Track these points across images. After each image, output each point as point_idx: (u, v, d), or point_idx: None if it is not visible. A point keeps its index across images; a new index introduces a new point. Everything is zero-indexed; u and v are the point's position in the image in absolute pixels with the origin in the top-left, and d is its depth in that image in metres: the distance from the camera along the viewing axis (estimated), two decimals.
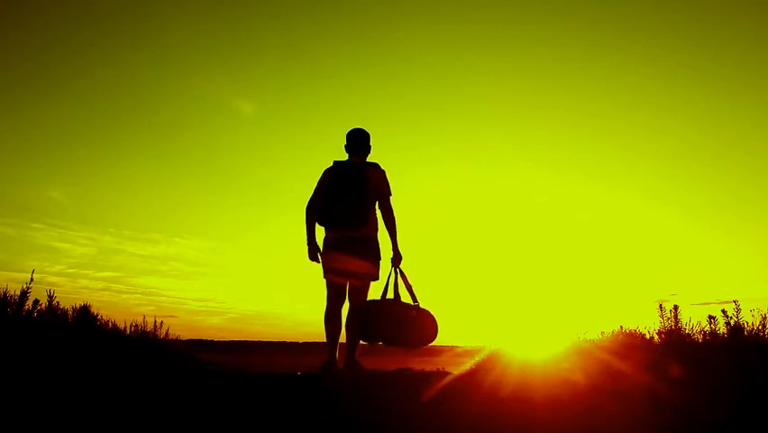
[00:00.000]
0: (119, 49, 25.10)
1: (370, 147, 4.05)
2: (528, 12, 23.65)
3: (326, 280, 3.93)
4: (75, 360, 3.53)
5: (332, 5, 26.13)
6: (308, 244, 3.94)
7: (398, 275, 3.91)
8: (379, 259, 3.93)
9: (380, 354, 4.02)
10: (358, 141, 4.00)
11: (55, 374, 2.99)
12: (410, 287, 3.89)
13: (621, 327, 3.74)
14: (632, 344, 3.34)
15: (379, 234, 4.01)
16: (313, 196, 3.99)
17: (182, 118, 27.72)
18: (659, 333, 3.40)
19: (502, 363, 3.07)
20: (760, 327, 3.04)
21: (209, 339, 16.12)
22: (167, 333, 6.21)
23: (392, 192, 3.98)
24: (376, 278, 3.92)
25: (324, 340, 3.92)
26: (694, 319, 3.29)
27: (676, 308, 3.35)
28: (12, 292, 3.88)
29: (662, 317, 3.39)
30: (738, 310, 3.10)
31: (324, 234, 3.98)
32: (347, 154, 4.04)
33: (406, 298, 3.90)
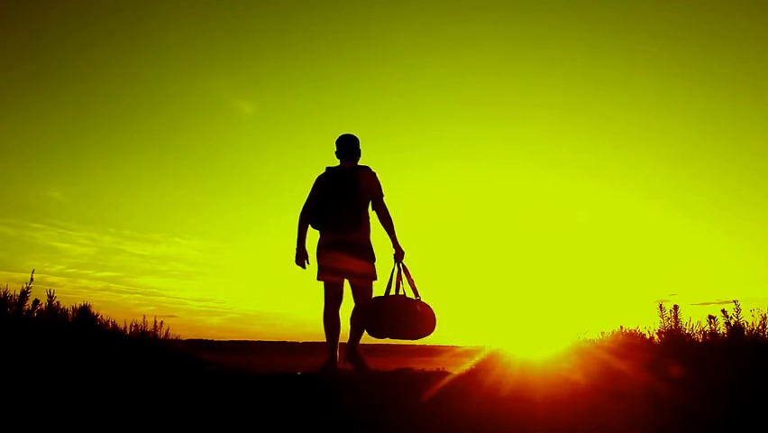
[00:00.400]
0: (119, 49, 25.13)
1: (359, 151, 4.12)
2: (528, 12, 23.66)
3: (323, 282, 3.96)
4: (75, 360, 3.53)
5: (332, 6, 26.15)
6: (297, 249, 4.00)
7: (402, 270, 3.99)
8: (374, 259, 3.99)
9: (381, 354, 4.04)
10: (347, 146, 4.07)
11: (55, 374, 2.99)
12: (412, 281, 3.99)
13: (621, 327, 3.74)
14: (632, 344, 3.34)
15: (372, 237, 4.07)
16: (306, 202, 4.07)
17: (182, 118, 27.77)
18: (659, 333, 3.40)
19: (502, 363, 3.07)
20: (760, 327, 3.03)
21: (209, 339, 16.15)
22: (167, 333, 6.22)
23: (387, 192, 4.07)
24: (374, 277, 3.97)
25: (324, 340, 3.96)
26: (694, 319, 3.29)
27: (676, 308, 3.35)
28: (12, 292, 3.89)
29: (662, 317, 3.39)
30: (738, 310, 3.10)
31: (318, 238, 4.04)
32: (338, 160, 4.11)
33: (408, 293, 3.99)
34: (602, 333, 3.80)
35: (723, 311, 3.13)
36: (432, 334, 3.96)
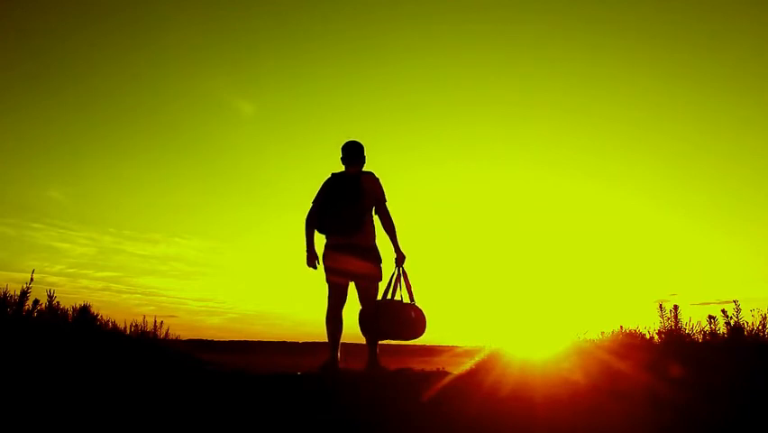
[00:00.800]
0: (119, 49, 25.13)
1: (364, 158, 4.21)
2: (529, 13, 23.66)
3: (328, 283, 4.04)
4: (75, 360, 3.53)
5: (332, 6, 26.16)
6: (307, 252, 4.09)
7: (401, 275, 4.10)
8: (380, 261, 4.08)
9: (380, 355, 4.05)
10: (352, 153, 4.17)
11: (55, 374, 2.99)
12: (409, 286, 4.10)
13: (621, 327, 3.74)
14: (632, 344, 3.33)
15: (377, 240, 4.15)
16: (312, 207, 4.16)
17: (182, 118, 27.77)
18: (659, 333, 3.40)
19: (502, 363, 3.08)
20: (760, 327, 3.03)
21: (209, 339, 16.15)
22: (167, 333, 6.22)
23: (387, 192, 4.15)
24: (380, 278, 4.06)
25: (325, 340, 4.00)
26: (694, 319, 3.29)
27: (676, 308, 3.35)
28: (12, 292, 3.89)
29: (662, 317, 3.39)
30: (738, 310, 3.10)
31: (324, 241, 4.13)
32: (343, 166, 4.20)
33: (405, 298, 4.10)
34: (602, 333, 3.81)
35: (723, 311, 3.14)
36: (422, 336, 4.10)
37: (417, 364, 4.49)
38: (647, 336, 3.47)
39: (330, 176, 4.20)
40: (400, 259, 4.09)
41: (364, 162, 4.20)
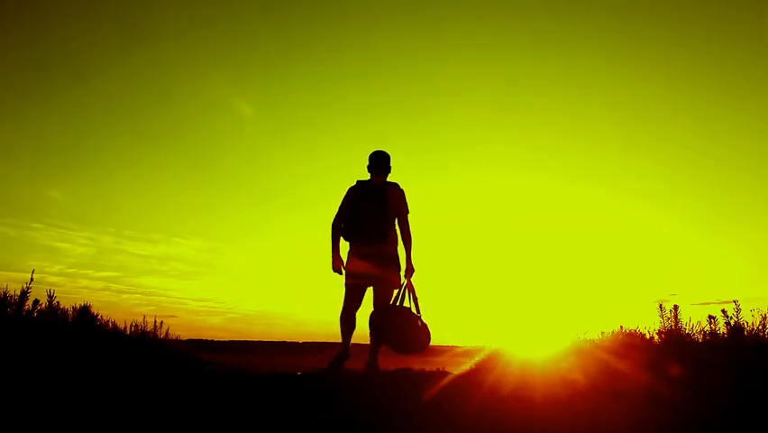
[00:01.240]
0: (119, 49, 25.12)
1: (390, 168, 4.28)
2: (530, 13, 23.68)
3: (346, 285, 4.14)
4: (75, 360, 3.53)
5: (332, 7, 26.15)
6: (333, 257, 4.17)
7: (408, 286, 4.17)
8: (400, 268, 4.17)
9: (381, 355, 4.06)
10: (380, 163, 4.24)
11: (55, 374, 2.99)
12: (416, 299, 4.16)
13: (621, 327, 3.75)
14: (632, 344, 3.34)
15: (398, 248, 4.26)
16: (337, 214, 4.24)
17: (182, 119, 27.70)
18: (659, 333, 3.40)
19: (502, 363, 3.08)
20: (760, 327, 3.04)
21: (209, 339, 16.14)
22: (167, 333, 6.22)
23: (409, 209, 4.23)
24: (398, 285, 4.15)
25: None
26: (694, 319, 3.30)
27: (676, 308, 3.36)
28: (12, 292, 3.89)
29: (662, 317, 3.39)
30: (738, 310, 3.10)
31: (348, 248, 4.21)
32: (368, 174, 4.27)
33: (411, 306, 4.15)
34: (602, 333, 3.81)
35: (723, 311, 3.14)
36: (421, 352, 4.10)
37: (417, 364, 4.49)
38: (647, 336, 3.48)
39: (355, 183, 4.26)
40: (410, 271, 4.17)
41: (389, 172, 4.27)
